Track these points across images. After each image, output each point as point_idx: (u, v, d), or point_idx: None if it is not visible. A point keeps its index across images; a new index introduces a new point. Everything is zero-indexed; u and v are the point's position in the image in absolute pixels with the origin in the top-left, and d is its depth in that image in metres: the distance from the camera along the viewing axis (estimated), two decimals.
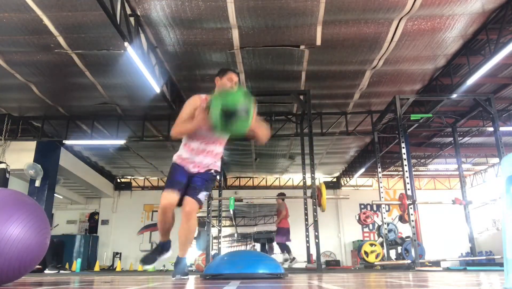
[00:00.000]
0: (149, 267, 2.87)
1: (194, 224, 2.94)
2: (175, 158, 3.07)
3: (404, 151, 6.79)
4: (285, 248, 8.33)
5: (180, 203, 2.99)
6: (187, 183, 3.00)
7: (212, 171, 3.05)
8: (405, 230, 9.78)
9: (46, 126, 9.73)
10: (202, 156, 2.98)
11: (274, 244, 9.05)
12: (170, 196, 2.93)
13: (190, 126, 2.84)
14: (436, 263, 7.90)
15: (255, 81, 7.85)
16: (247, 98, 2.63)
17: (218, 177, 3.13)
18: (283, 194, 8.73)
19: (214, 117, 2.57)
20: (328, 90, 8.22)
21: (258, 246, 9.58)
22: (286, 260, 8.21)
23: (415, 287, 1.79)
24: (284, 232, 8.34)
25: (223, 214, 12.83)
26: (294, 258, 8.23)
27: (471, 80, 6.90)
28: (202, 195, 2.94)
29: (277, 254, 9.08)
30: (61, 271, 7.44)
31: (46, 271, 7.18)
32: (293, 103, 8.82)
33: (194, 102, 2.98)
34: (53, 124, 9.70)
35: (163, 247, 3.10)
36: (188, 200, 2.91)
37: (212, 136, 2.93)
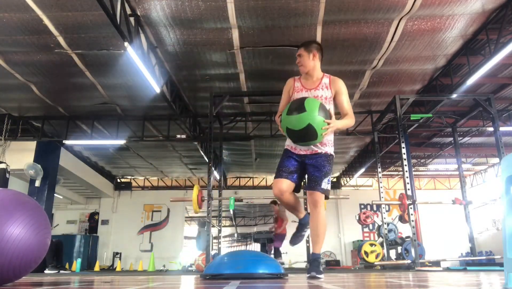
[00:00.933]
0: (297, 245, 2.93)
1: (321, 217, 2.85)
2: (287, 141, 3.04)
3: (404, 151, 6.79)
4: (278, 254, 8.35)
5: (297, 189, 2.96)
6: (301, 169, 2.96)
7: (323, 153, 2.90)
8: (405, 230, 9.78)
9: (46, 126, 9.73)
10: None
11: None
12: (279, 184, 2.89)
13: (278, 123, 2.87)
14: (436, 263, 7.90)
15: (255, 81, 7.85)
16: (312, 114, 2.52)
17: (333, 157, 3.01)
18: (275, 201, 8.68)
19: (284, 133, 2.67)
20: None
21: (255, 246, 9.57)
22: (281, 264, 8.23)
23: (415, 287, 1.79)
24: (282, 237, 8.38)
25: (223, 214, 12.84)
26: (283, 263, 8.26)
27: (471, 80, 6.90)
28: (325, 183, 2.84)
29: (284, 253, 9.08)
30: (61, 271, 7.43)
31: (46, 271, 7.18)
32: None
33: (288, 87, 3.03)
34: (53, 124, 9.70)
35: (302, 222, 3.08)
36: (310, 193, 2.86)
37: None
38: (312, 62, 2.98)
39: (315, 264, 2.83)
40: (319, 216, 2.86)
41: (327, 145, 2.93)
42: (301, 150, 2.93)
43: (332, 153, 2.98)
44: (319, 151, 2.90)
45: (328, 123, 2.61)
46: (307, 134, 2.57)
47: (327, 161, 2.91)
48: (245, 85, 7.92)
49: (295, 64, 3.12)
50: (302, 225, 3.14)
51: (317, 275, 2.76)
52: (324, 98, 2.90)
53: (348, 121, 2.91)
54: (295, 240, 3.17)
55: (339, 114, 2.98)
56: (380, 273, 4.60)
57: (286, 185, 2.89)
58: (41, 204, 9.57)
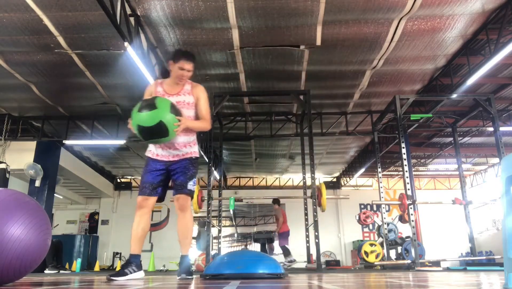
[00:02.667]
0: (119, 280, 2.71)
1: (190, 219, 2.93)
2: (147, 152, 3.06)
3: (404, 151, 6.79)
4: (287, 251, 8.50)
5: (161, 199, 3.00)
6: (166, 178, 2.98)
7: (190, 157, 2.99)
8: (405, 230, 9.77)
9: (46, 126, 9.73)
10: (164, 147, 2.95)
11: (275, 244, 9.17)
12: (144, 199, 2.95)
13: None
14: (436, 263, 7.90)
15: (255, 81, 7.85)
16: (163, 111, 2.56)
17: (197, 164, 3.08)
18: (277, 200, 8.87)
19: (135, 131, 2.65)
20: (328, 90, 8.22)
21: (256, 246, 9.60)
22: (291, 262, 8.32)
23: (415, 287, 1.79)
24: (286, 235, 8.55)
25: (223, 214, 12.83)
26: (294, 260, 8.39)
27: (471, 80, 6.90)
28: (190, 186, 2.92)
29: (278, 255, 9.14)
30: (61, 271, 7.43)
31: (46, 271, 7.18)
32: (293, 103, 8.82)
33: (148, 91, 3.08)
34: (53, 124, 9.70)
35: (133, 261, 2.87)
36: (176, 198, 2.92)
37: None
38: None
39: (184, 266, 2.95)
40: (187, 218, 2.95)
41: (190, 146, 3.01)
42: (164, 156, 2.96)
43: (197, 155, 3.06)
44: (182, 154, 2.97)
45: (179, 120, 2.65)
46: (159, 131, 2.60)
47: (192, 164, 3.00)
48: (245, 85, 7.93)
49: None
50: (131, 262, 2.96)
51: (187, 277, 2.86)
52: (186, 103, 2.97)
53: (201, 124, 2.97)
54: (117, 274, 2.86)
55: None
56: (380, 273, 4.60)
57: (151, 202, 2.99)
58: (41, 204, 9.57)
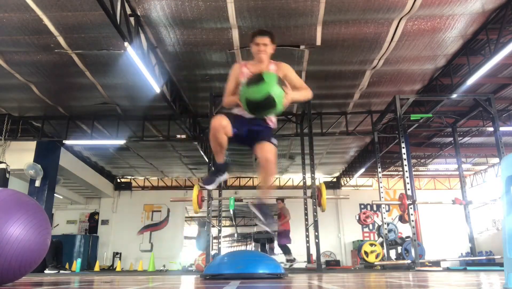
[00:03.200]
0: (210, 188, 2.88)
1: (275, 167, 2.84)
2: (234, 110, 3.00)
3: (404, 151, 6.79)
4: (287, 250, 8.45)
5: (235, 139, 2.89)
6: (246, 131, 2.91)
7: (271, 126, 2.99)
8: (405, 230, 9.77)
9: (46, 126, 9.73)
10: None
11: (275, 244, 9.12)
12: (221, 119, 2.75)
13: (232, 102, 2.91)
14: (436, 263, 7.90)
15: None
16: (271, 85, 2.58)
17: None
18: (282, 199, 8.83)
19: (244, 106, 2.66)
20: (328, 90, 8.22)
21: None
22: (290, 261, 8.29)
23: (415, 287, 1.79)
24: (287, 234, 8.48)
25: (223, 214, 12.83)
26: (295, 259, 8.34)
27: (471, 80, 6.90)
28: (274, 139, 2.87)
29: (278, 255, 9.13)
30: (61, 271, 7.43)
31: (46, 271, 7.18)
32: (293, 103, 8.81)
33: (235, 72, 3.03)
34: (53, 124, 9.70)
35: (219, 168, 3.03)
36: (263, 144, 2.79)
37: None
38: (271, 53, 3.08)
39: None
40: (274, 166, 2.85)
41: (272, 122, 3.02)
42: (248, 115, 2.89)
43: (275, 127, 3.07)
44: (266, 122, 2.98)
45: (286, 93, 2.66)
46: (268, 104, 2.61)
47: (271, 129, 3.00)
48: None
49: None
50: (219, 170, 3.09)
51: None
52: None
53: (304, 93, 2.96)
54: (207, 181, 3.04)
55: None
56: (380, 273, 4.60)
57: (227, 122, 2.78)
58: (41, 204, 9.57)
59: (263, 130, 2.92)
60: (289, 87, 2.76)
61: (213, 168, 3.08)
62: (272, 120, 3.00)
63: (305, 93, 2.95)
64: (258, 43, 2.97)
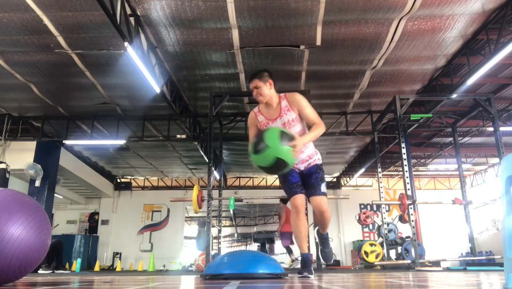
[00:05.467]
0: (311, 277, 2.92)
1: (329, 215, 3.04)
2: None
3: (404, 151, 6.79)
4: (289, 251, 8.47)
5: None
6: (303, 183, 3.04)
7: (315, 164, 3.06)
8: (405, 230, 9.77)
9: (46, 126, 9.73)
10: None
11: (275, 244, 9.13)
12: (299, 198, 2.96)
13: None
14: (436, 263, 7.90)
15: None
16: (275, 147, 2.56)
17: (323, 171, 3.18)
18: (284, 199, 8.79)
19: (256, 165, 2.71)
20: (328, 90, 8.23)
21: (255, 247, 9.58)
22: (293, 261, 8.31)
23: (415, 287, 1.79)
24: (288, 235, 8.46)
25: (223, 214, 12.82)
26: (296, 259, 8.36)
27: (471, 80, 6.90)
28: (323, 187, 2.98)
29: (278, 255, 9.14)
30: (56, 271, 7.40)
31: (40, 271, 7.15)
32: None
33: (252, 123, 3.09)
34: (53, 124, 9.70)
35: (306, 259, 3.06)
36: (315, 198, 2.94)
37: None
38: (269, 91, 2.99)
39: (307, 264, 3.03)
40: (328, 215, 3.06)
41: (312, 157, 3.07)
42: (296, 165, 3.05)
43: (321, 162, 3.13)
44: (309, 164, 3.06)
45: (294, 146, 2.61)
46: (279, 166, 2.66)
47: (319, 168, 3.08)
48: (245, 85, 7.92)
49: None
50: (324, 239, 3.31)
51: (309, 275, 2.92)
52: (292, 121, 2.97)
53: (316, 132, 2.89)
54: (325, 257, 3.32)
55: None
56: (380, 273, 4.60)
57: (302, 199, 3.02)
58: (41, 204, 9.57)
59: (313, 174, 3.01)
60: (296, 136, 2.74)
61: (300, 260, 3.12)
62: (312, 155, 3.05)
63: (317, 132, 2.89)
64: (252, 88, 2.98)
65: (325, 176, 3.19)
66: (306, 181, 3.04)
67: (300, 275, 2.93)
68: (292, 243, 8.58)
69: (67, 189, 14.09)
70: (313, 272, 2.98)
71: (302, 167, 3.05)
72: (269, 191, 16.01)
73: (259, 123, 3.05)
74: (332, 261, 3.30)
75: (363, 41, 6.37)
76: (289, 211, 8.87)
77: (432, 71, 7.59)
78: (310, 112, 2.97)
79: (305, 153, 3.01)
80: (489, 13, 5.81)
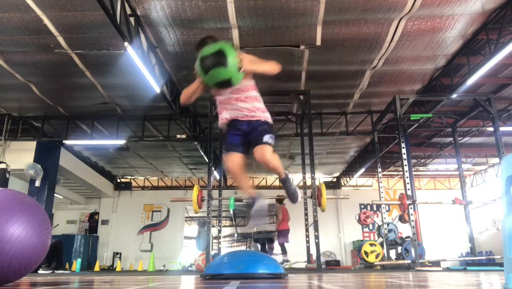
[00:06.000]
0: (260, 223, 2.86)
1: (276, 163, 2.85)
2: (220, 124, 3.02)
3: (404, 151, 6.79)
4: (284, 249, 8.57)
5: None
6: (246, 139, 2.92)
7: (260, 120, 2.94)
8: (405, 230, 9.77)
9: (46, 126, 9.73)
10: (234, 102, 2.92)
11: (275, 244, 9.22)
12: (231, 158, 2.84)
13: (190, 88, 2.92)
14: (436, 263, 7.90)
15: (255, 81, 7.84)
16: (222, 47, 2.64)
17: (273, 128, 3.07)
18: (281, 199, 8.92)
19: (198, 70, 2.70)
20: (328, 90, 8.22)
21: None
22: (285, 261, 8.38)
23: (415, 287, 1.79)
24: (285, 233, 8.62)
25: (223, 214, 12.81)
26: (288, 261, 8.48)
27: (471, 80, 6.90)
28: (267, 137, 2.82)
29: (278, 255, 9.18)
30: (56, 271, 7.40)
31: (40, 271, 7.15)
32: (293, 103, 8.82)
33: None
34: (53, 124, 9.69)
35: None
36: (256, 149, 2.80)
37: (222, 88, 2.85)
38: None
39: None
40: (276, 162, 2.86)
41: (261, 112, 2.99)
42: (239, 117, 2.94)
43: (269, 120, 3.01)
44: (252, 116, 2.94)
45: (241, 59, 2.67)
46: (217, 59, 2.64)
47: (266, 123, 2.95)
48: None
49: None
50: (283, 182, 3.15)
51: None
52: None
53: (268, 65, 2.95)
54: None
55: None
56: (380, 273, 4.60)
57: (233, 158, 2.88)
58: (41, 204, 9.57)
59: (257, 128, 2.88)
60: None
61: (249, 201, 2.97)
62: (261, 114, 2.96)
63: (269, 66, 2.94)
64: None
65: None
66: (250, 138, 2.90)
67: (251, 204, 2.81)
68: (287, 241, 8.71)
69: (67, 189, 14.09)
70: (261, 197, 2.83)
71: (245, 125, 2.91)
72: (269, 191, 16.01)
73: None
74: (298, 199, 3.05)
75: (363, 41, 6.37)
76: (285, 210, 8.96)
77: (432, 71, 7.59)
78: (260, 61, 3.03)
79: (249, 105, 2.93)
80: (489, 13, 5.81)
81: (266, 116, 3.00)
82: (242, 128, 2.92)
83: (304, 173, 8.05)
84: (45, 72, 7.28)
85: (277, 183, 16.64)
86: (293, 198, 3.14)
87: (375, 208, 14.49)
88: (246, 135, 2.93)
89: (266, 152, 2.78)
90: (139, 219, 15.54)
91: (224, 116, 2.98)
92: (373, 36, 6.22)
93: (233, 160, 2.86)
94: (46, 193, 9.84)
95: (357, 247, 10.77)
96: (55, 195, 10.96)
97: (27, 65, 7.01)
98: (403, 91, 8.26)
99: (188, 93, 2.94)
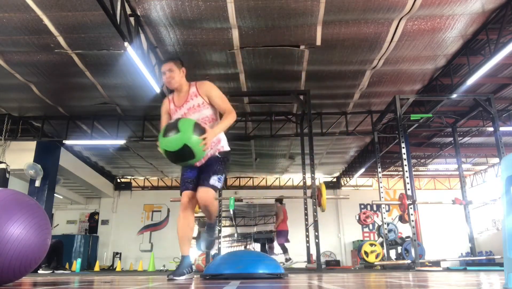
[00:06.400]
0: (180, 279, 2.82)
1: (214, 209, 2.89)
2: None
3: (404, 151, 6.79)
4: (285, 249, 8.59)
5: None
6: (199, 172, 2.95)
7: (217, 154, 2.97)
8: (405, 230, 9.77)
9: (46, 126, 9.73)
10: None
11: (274, 244, 9.25)
12: (185, 194, 2.90)
13: None
14: (436, 263, 7.90)
15: (255, 81, 7.85)
16: (186, 134, 2.54)
17: (227, 158, 3.09)
18: (280, 199, 8.98)
19: (164, 154, 2.64)
20: (328, 90, 8.22)
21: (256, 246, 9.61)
22: (287, 260, 8.39)
23: (415, 287, 1.79)
24: (284, 234, 8.66)
25: (223, 214, 12.81)
26: (290, 259, 8.49)
27: (471, 80, 6.90)
28: (214, 179, 2.83)
29: (278, 255, 9.20)
30: (56, 271, 7.40)
31: (40, 272, 7.14)
32: (293, 103, 8.82)
33: (164, 109, 3.10)
34: (53, 124, 9.69)
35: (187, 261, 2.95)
36: (199, 190, 2.83)
37: None
38: (181, 78, 3.03)
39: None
40: (213, 209, 2.90)
41: (215, 144, 2.98)
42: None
43: (224, 149, 3.04)
44: (209, 154, 2.96)
45: (204, 138, 2.60)
46: (185, 155, 2.59)
47: (217, 160, 2.97)
48: (245, 85, 7.92)
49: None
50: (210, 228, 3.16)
51: (174, 277, 2.76)
52: (197, 106, 2.95)
53: (226, 122, 2.88)
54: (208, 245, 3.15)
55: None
56: (380, 273, 4.60)
57: (188, 195, 2.94)
58: (41, 204, 9.57)
59: (208, 166, 2.91)
60: (207, 128, 2.71)
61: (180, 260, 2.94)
62: (216, 147, 2.96)
63: (228, 121, 2.88)
64: (164, 72, 2.98)
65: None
66: (200, 173, 2.93)
67: (168, 278, 2.77)
68: (287, 241, 8.75)
69: (67, 189, 14.09)
70: (185, 274, 2.79)
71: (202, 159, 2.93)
72: (269, 191, 16.01)
73: (170, 110, 3.05)
74: (211, 249, 3.14)
75: (363, 41, 6.37)
76: (285, 211, 9.00)
77: (432, 71, 7.59)
78: (220, 100, 2.97)
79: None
80: (489, 13, 5.81)
81: (221, 147, 3.02)
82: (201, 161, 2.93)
83: (304, 173, 8.05)
84: (45, 72, 7.27)
85: (277, 183, 16.65)
86: (209, 245, 3.12)
87: (375, 208, 14.49)
88: (200, 169, 2.96)
89: (209, 196, 2.81)
90: (139, 219, 15.54)
91: None
92: (373, 36, 6.22)
93: (186, 198, 2.89)
94: (46, 193, 9.84)
95: (357, 247, 10.77)
96: (55, 195, 10.96)
97: (27, 65, 7.01)
98: (403, 91, 8.26)
99: None
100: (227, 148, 3.07)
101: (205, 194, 2.80)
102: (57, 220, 14.77)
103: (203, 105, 2.95)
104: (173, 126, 2.61)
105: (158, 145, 2.68)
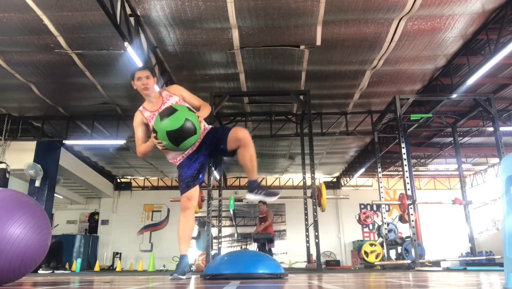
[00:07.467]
0: (183, 278, 2.83)
1: (253, 151, 2.92)
2: (173, 162, 3.10)
3: (404, 151, 6.79)
4: (271, 253, 8.31)
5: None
6: (204, 159, 3.01)
7: (208, 130, 3.01)
8: (405, 230, 9.76)
9: (46, 126, 9.73)
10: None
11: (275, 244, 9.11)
12: (193, 190, 2.97)
13: (149, 147, 2.92)
14: (436, 263, 7.90)
15: (255, 81, 7.85)
16: (184, 111, 2.64)
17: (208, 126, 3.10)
18: (265, 202, 8.48)
19: (164, 142, 2.67)
20: (328, 90, 8.23)
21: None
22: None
23: (415, 287, 1.79)
24: (273, 238, 8.27)
25: (223, 214, 12.82)
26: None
27: (471, 80, 6.90)
28: (227, 127, 2.97)
29: (278, 255, 9.14)
30: (56, 271, 7.40)
31: (40, 271, 7.14)
32: (293, 103, 8.82)
33: (138, 120, 3.13)
34: (53, 124, 9.70)
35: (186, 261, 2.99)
36: (230, 133, 2.88)
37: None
38: (154, 86, 3.09)
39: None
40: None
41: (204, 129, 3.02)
42: (192, 149, 2.97)
43: (211, 126, 3.11)
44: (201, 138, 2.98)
45: (198, 116, 2.74)
46: (188, 130, 2.64)
47: (212, 129, 3.04)
48: (245, 85, 7.92)
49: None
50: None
51: (179, 276, 2.80)
52: (175, 104, 2.98)
53: (206, 109, 2.97)
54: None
55: None
56: (380, 273, 4.60)
57: (194, 191, 3.00)
58: (41, 204, 9.57)
59: (212, 133, 2.96)
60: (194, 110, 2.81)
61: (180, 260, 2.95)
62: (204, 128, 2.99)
63: (207, 110, 2.96)
64: (140, 77, 3.00)
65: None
66: (211, 143, 2.95)
67: (171, 277, 2.81)
68: (273, 246, 8.39)
69: (67, 189, 14.09)
70: (186, 273, 2.85)
71: (199, 147, 2.96)
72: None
73: (145, 118, 3.07)
74: (277, 194, 2.97)
75: (363, 41, 6.37)
76: (271, 213, 8.64)
77: (432, 71, 7.59)
78: (193, 98, 3.09)
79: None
80: (489, 13, 5.81)
81: (209, 126, 3.07)
82: (198, 152, 2.96)
83: (304, 173, 8.05)
84: (45, 72, 7.28)
85: (277, 183, 16.65)
86: (271, 193, 3.04)
87: (375, 208, 14.49)
88: (204, 155, 2.99)
89: (243, 129, 2.85)
90: (139, 219, 15.54)
91: (178, 158, 3.03)
92: (373, 36, 6.23)
93: (189, 195, 2.93)
94: (46, 193, 9.84)
95: (357, 247, 10.77)
96: (55, 195, 10.96)
97: (27, 65, 7.01)
98: (403, 91, 8.27)
99: (145, 152, 3.00)
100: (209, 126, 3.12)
101: (239, 130, 2.83)
102: (57, 220, 14.77)
103: (181, 102, 3.02)
104: (169, 109, 2.70)
105: (144, 148, 2.79)
